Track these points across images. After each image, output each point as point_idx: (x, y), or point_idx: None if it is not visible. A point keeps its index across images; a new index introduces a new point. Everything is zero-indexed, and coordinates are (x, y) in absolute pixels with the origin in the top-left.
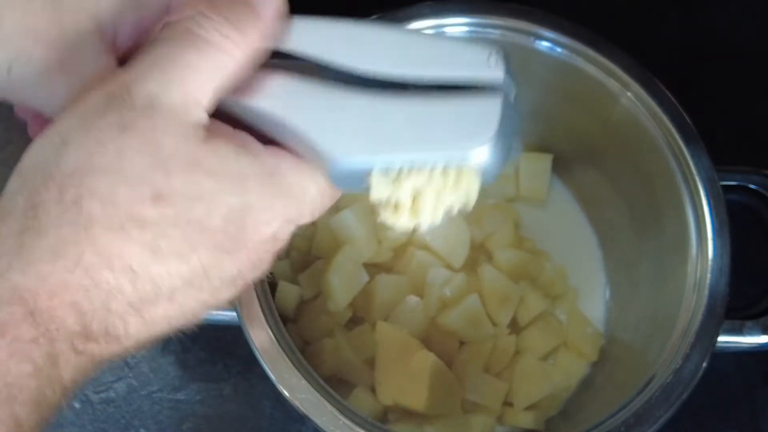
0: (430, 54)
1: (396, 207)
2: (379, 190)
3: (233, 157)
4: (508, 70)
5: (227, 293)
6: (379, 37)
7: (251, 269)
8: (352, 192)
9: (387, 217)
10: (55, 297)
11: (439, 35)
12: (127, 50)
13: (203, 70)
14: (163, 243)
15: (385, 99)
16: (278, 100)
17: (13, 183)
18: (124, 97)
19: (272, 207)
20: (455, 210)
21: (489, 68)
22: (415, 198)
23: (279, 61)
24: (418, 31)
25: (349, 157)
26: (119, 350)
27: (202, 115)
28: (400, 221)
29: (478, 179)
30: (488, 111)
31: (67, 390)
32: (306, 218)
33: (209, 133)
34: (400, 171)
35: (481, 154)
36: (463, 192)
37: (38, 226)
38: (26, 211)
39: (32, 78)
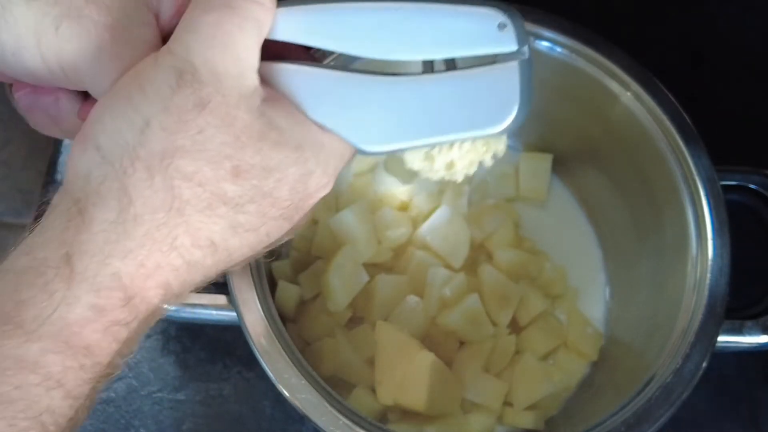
0: (439, 32)
1: (432, 170)
2: (413, 164)
3: (288, 128)
4: (520, 34)
5: (275, 244)
6: (383, 17)
7: (299, 225)
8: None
9: (424, 173)
10: (150, 279)
11: (441, 3)
12: (167, 26)
13: (247, 33)
14: (241, 218)
15: (403, 85)
16: (297, 91)
17: (91, 160)
18: (191, 71)
19: (326, 170)
20: (488, 163)
21: (500, 37)
22: (449, 164)
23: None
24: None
25: (378, 146)
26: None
27: (256, 80)
28: (437, 177)
29: (502, 145)
30: (507, 84)
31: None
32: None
33: (263, 99)
34: (431, 150)
35: (507, 124)
36: (492, 150)
37: (134, 213)
38: (120, 196)
39: (79, 41)
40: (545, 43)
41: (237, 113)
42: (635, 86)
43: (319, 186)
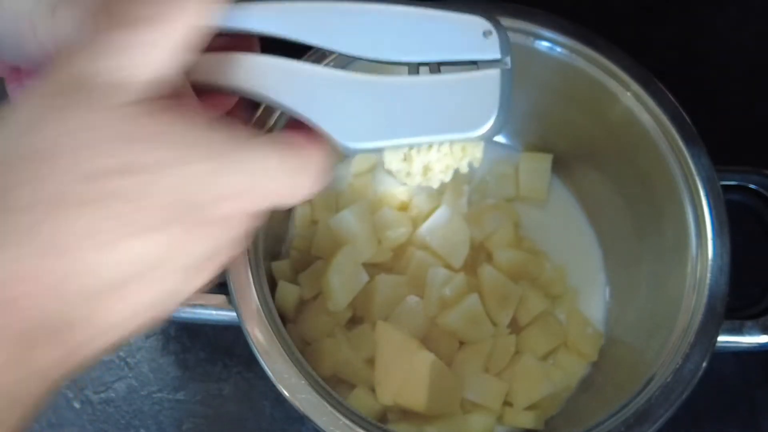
0: (426, 36)
1: (408, 174)
2: (391, 165)
3: (174, 131)
4: (504, 43)
5: (197, 279)
6: (368, 18)
7: (218, 250)
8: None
9: (401, 178)
10: (22, 284)
11: (430, 8)
12: None
13: (134, 45)
14: (106, 224)
15: (387, 84)
16: (280, 86)
17: None
18: (65, 76)
19: (228, 182)
20: (463, 169)
21: (485, 45)
22: (426, 167)
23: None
24: (408, 5)
25: (361, 144)
26: (99, 344)
27: (136, 90)
28: (413, 182)
29: (479, 152)
30: (488, 91)
31: (52, 383)
32: (281, 198)
33: (152, 107)
34: (410, 150)
35: (485, 130)
36: (469, 157)
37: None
38: None
39: (75, 24)
40: (545, 43)
41: (96, 117)
42: (635, 86)
43: (217, 197)
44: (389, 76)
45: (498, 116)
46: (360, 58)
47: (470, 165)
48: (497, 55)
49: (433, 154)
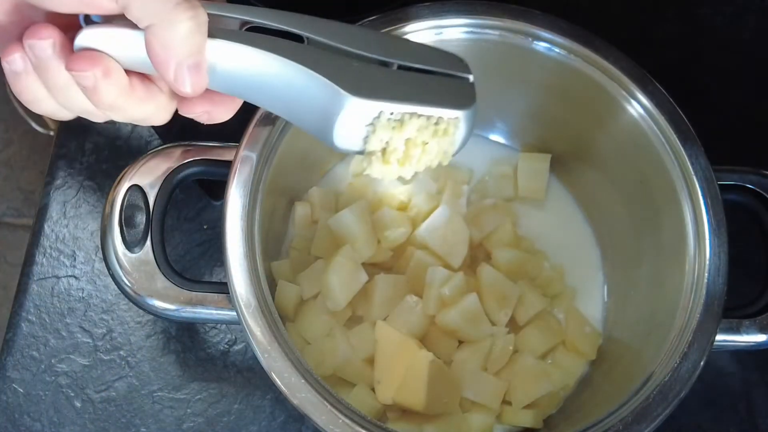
0: (411, 50)
1: (386, 156)
2: (381, 135)
3: None
4: (474, 80)
5: None
6: (361, 32)
7: None
8: (348, 152)
9: (376, 168)
10: None
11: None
12: None
13: None
14: None
15: (380, 67)
16: (286, 50)
17: None
18: None
19: None
20: (435, 164)
21: (461, 69)
22: (407, 146)
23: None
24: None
25: (362, 99)
26: None
27: None
28: (389, 171)
29: (457, 139)
30: (467, 88)
31: None
32: None
33: None
34: (402, 119)
35: (467, 113)
36: (445, 145)
37: None
38: None
39: None
40: (543, 44)
41: None
42: (633, 86)
43: None
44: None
45: (473, 113)
46: (347, 51)
47: (441, 161)
48: (470, 80)
49: (420, 125)
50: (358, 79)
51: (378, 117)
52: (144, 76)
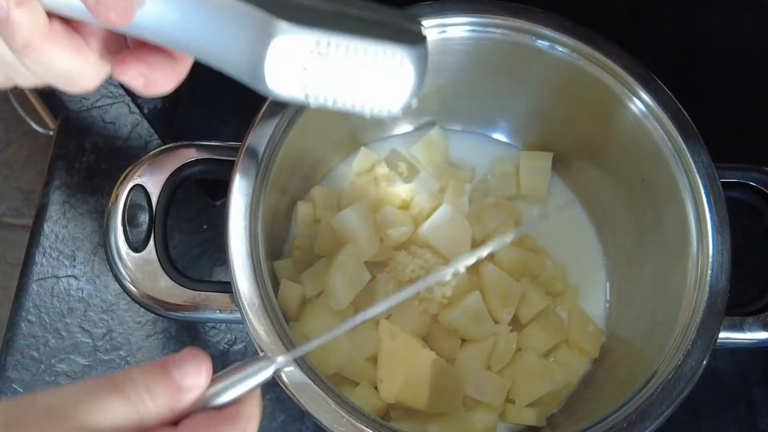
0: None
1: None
2: (318, 74)
3: None
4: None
5: None
6: None
7: None
8: (283, 98)
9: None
10: None
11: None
12: None
13: None
14: None
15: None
16: None
17: None
18: None
19: None
20: (380, 109)
21: (412, 22)
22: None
23: None
24: None
25: (294, 27)
26: None
27: None
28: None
29: (403, 81)
30: (416, 34)
31: None
32: None
33: None
34: (337, 50)
35: (413, 53)
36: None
37: None
38: None
39: None
40: (545, 43)
41: None
42: (635, 85)
43: None
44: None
45: (420, 54)
46: None
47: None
48: (421, 31)
49: (357, 58)
50: (289, 7)
51: (315, 51)
52: (70, 28)
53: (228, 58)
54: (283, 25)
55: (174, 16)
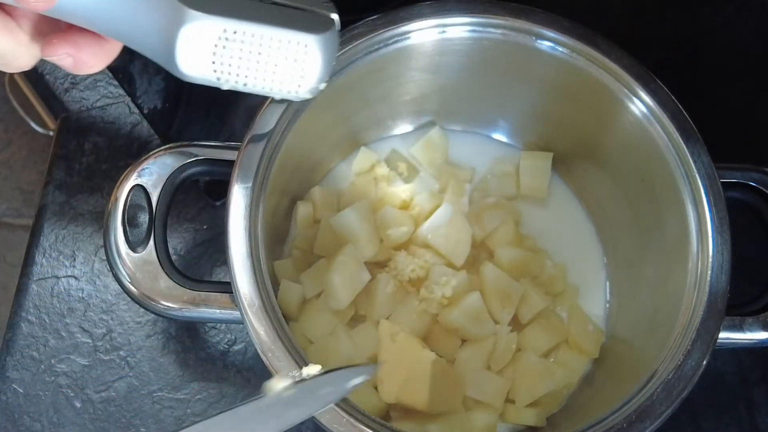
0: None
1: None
2: (227, 58)
3: None
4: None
5: None
6: None
7: None
8: (195, 79)
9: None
10: None
11: None
12: None
13: None
14: None
15: None
16: None
17: None
18: None
19: None
20: (286, 92)
21: (325, 8)
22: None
23: None
24: None
25: (203, 14)
26: None
27: None
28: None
29: (308, 67)
30: (326, 21)
31: None
32: None
33: None
34: (244, 37)
35: (319, 40)
36: (296, 72)
37: None
38: None
39: None
40: (546, 43)
41: None
42: (635, 85)
43: None
44: None
45: (328, 41)
46: None
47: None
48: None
49: (265, 45)
50: None
51: (223, 38)
52: (2, 11)
53: (144, 42)
54: (192, 13)
55: (93, 1)
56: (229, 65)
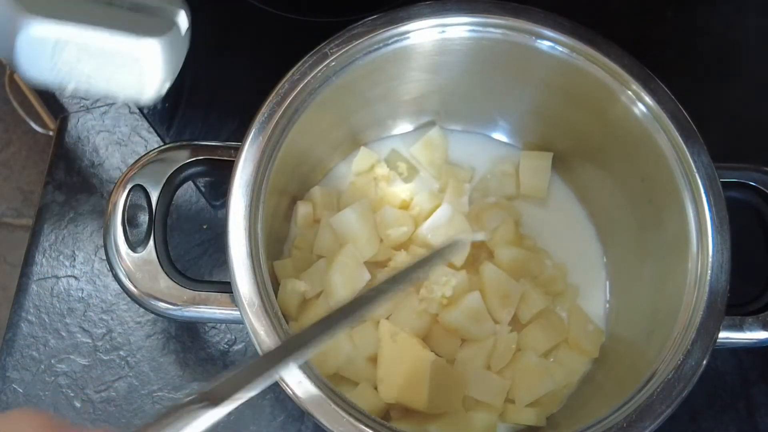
0: None
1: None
2: (67, 61)
3: None
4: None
5: None
6: None
7: None
8: (38, 82)
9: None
10: None
11: None
12: None
13: None
14: None
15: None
16: None
17: None
18: None
19: None
20: (128, 94)
21: (169, 12)
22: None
23: None
24: None
25: (39, 18)
26: None
27: None
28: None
29: (148, 72)
30: (168, 23)
31: None
32: None
33: None
34: (79, 44)
35: (153, 45)
36: (136, 75)
37: None
38: None
39: None
40: (545, 42)
41: None
42: (635, 85)
43: None
44: None
45: (166, 46)
46: None
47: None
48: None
49: (99, 54)
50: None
51: (61, 42)
52: None
53: None
54: (29, 17)
55: None
56: (69, 71)
